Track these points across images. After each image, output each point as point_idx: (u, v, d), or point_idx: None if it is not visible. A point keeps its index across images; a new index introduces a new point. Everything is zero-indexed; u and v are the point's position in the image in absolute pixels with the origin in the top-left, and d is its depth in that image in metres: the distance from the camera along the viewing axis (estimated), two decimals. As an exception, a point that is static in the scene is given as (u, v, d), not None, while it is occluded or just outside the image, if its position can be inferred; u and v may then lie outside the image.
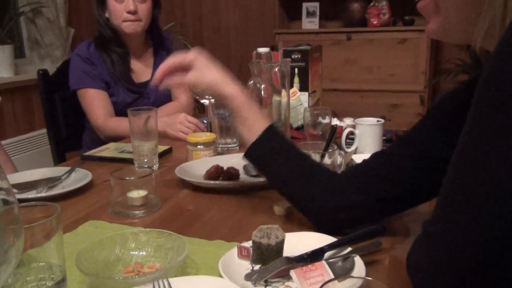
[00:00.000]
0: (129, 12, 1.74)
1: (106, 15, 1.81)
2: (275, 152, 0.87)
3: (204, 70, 0.91)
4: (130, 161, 1.30)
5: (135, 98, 1.84)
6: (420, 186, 0.79)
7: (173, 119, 1.59)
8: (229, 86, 0.91)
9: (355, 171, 0.86)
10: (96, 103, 1.77)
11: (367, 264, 0.69)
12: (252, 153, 0.89)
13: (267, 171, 0.90)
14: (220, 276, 0.67)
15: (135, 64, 1.88)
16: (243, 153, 0.91)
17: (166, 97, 1.96)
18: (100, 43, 1.81)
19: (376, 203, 0.81)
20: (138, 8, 1.76)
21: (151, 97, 1.89)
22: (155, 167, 1.27)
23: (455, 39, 0.67)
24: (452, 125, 0.73)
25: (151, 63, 1.94)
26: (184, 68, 0.93)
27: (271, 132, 0.88)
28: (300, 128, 1.57)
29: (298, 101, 1.59)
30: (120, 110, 1.76)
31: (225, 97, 0.91)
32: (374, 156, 0.85)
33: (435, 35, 0.67)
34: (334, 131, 1.07)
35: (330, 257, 0.73)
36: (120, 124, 1.69)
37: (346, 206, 0.82)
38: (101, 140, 1.77)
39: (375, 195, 0.81)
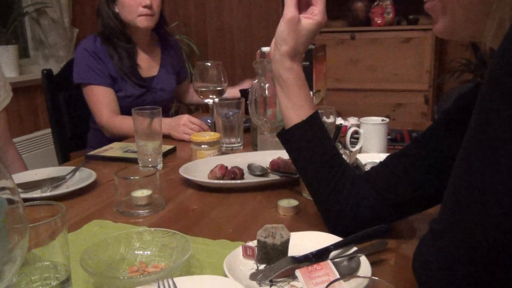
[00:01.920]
0: (145, 7, 1.75)
1: (116, 10, 1.81)
2: (314, 141, 0.84)
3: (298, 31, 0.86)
4: (134, 161, 1.30)
5: (143, 92, 1.85)
6: (434, 188, 0.78)
7: (176, 121, 1.59)
8: (296, 60, 0.88)
9: (374, 173, 0.84)
10: (101, 100, 1.77)
11: (372, 263, 0.69)
12: (291, 134, 0.86)
13: (299, 156, 0.86)
14: (225, 275, 0.67)
15: (142, 59, 1.88)
16: (279, 131, 0.89)
17: (171, 92, 1.97)
18: (106, 38, 1.82)
19: (395, 207, 0.81)
20: (152, 2, 1.77)
21: (158, 92, 1.90)
22: (159, 166, 1.27)
23: (463, 38, 0.67)
24: (467, 125, 0.73)
25: (159, 59, 1.94)
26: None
27: (315, 120, 0.86)
28: (304, 128, 1.57)
29: (302, 100, 1.59)
30: (128, 104, 1.76)
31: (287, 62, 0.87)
32: (391, 158, 0.84)
33: (443, 35, 0.67)
34: (339, 131, 1.07)
35: (336, 256, 0.72)
36: (125, 123, 1.69)
37: (365, 209, 0.81)
38: (106, 139, 1.77)
39: (394, 199, 0.80)
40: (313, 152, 0.84)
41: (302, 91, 0.87)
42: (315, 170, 0.84)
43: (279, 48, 0.88)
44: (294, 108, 0.86)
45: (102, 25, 1.84)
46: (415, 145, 0.82)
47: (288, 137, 0.88)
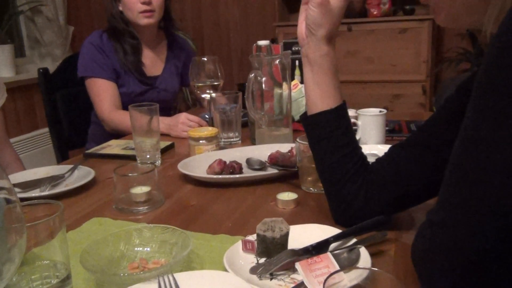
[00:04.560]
0: (143, 3, 1.75)
1: (120, 8, 1.81)
2: (338, 132, 0.84)
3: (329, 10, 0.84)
4: (132, 158, 1.30)
5: (145, 89, 1.85)
6: (435, 178, 0.78)
7: (174, 120, 1.59)
8: (332, 42, 0.86)
9: (378, 165, 0.84)
10: (103, 94, 1.77)
11: (372, 254, 0.69)
12: (315, 120, 0.86)
13: (320, 143, 0.85)
14: (225, 270, 0.67)
15: (147, 57, 1.88)
16: (301, 117, 0.89)
17: (173, 93, 1.97)
18: (113, 34, 1.82)
19: (399, 197, 0.81)
20: None
21: (160, 92, 1.90)
22: (158, 163, 1.27)
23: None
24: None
25: (164, 58, 1.94)
26: None
27: (342, 111, 0.85)
28: (302, 121, 1.57)
29: (299, 93, 1.59)
30: (129, 101, 1.76)
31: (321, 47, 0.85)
32: (394, 148, 0.84)
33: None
34: (337, 123, 1.07)
35: (335, 248, 0.72)
36: (127, 118, 1.69)
37: (370, 202, 0.81)
38: (107, 134, 1.77)
39: (399, 189, 0.80)
40: (335, 142, 0.84)
41: (333, 80, 0.86)
42: (335, 159, 0.83)
43: (315, 33, 0.85)
44: (322, 96, 0.86)
45: (109, 23, 1.84)
46: (418, 135, 0.82)
47: (311, 123, 0.87)
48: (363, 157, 0.85)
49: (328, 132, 0.84)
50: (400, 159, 0.81)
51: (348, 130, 0.85)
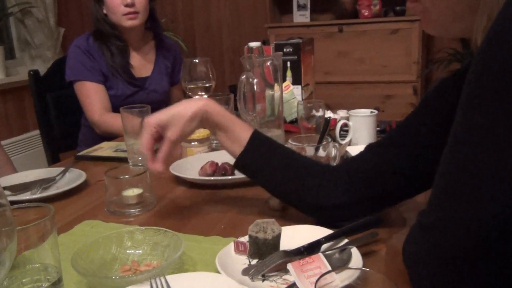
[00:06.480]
0: (126, 5, 1.74)
1: (104, 11, 1.80)
2: (264, 158, 0.87)
3: (175, 120, 0.93)
4: (124, 160, 1.29)
5: (134, 91, 1.84)
6: (416, 176, 0.79)
7: None
8: (200, 113, 0.89)
9: (352, 164, 0.85)
10: (93, 97, 1.76)
11: (364, 255, 0.70)
12: (242, 163, 0.89)
13: (259, 178, 0.89)
14: (218, 272, 0.67)
15: (135, 59, 1.88)
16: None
17: (163, 94, 1.96)
18: (99, 37, 1.81)
19: (373, 198, 0.81)
20: (134, 0, 1.76)
21: (150, 93, 1.89)
22: (150, 165, 1.26)
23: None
24: (447, 113, 0.73)
25: (152, 59, 1.93)
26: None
27: (257, 139, 0.88)
28: (294, 122, 1.57)
29: (291, 94, 1.59)
30: (119, 103, 1.75)
31: (202, 121, 0.89)
32: (368, 148, 0.85)
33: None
34: (328, 124, 1.07)
35: (327, 249, 0.73)
36: (117, 120, 1.68)
37: (343, 204, 0.82)
38: (97, 137, 1.76)
39: (372, 190, 0.80)
40: (269, 166, 0.87)
41: (233, 124, 0.88)
42: (280, 182, 0.86)
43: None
44: (234, 142, 0.88)
45: (95, 26, 1.83)
46: (397, 131, 0.83)
47: (239, 168, 0.90)
48: (306, 162, 0.87)
49: (254, 168, 0.88)
50: (373, 158, 0.82)
51: (271, 152, 0.87)
